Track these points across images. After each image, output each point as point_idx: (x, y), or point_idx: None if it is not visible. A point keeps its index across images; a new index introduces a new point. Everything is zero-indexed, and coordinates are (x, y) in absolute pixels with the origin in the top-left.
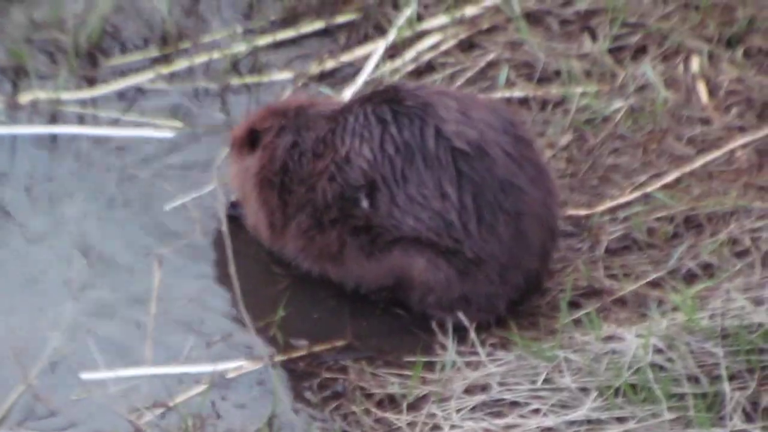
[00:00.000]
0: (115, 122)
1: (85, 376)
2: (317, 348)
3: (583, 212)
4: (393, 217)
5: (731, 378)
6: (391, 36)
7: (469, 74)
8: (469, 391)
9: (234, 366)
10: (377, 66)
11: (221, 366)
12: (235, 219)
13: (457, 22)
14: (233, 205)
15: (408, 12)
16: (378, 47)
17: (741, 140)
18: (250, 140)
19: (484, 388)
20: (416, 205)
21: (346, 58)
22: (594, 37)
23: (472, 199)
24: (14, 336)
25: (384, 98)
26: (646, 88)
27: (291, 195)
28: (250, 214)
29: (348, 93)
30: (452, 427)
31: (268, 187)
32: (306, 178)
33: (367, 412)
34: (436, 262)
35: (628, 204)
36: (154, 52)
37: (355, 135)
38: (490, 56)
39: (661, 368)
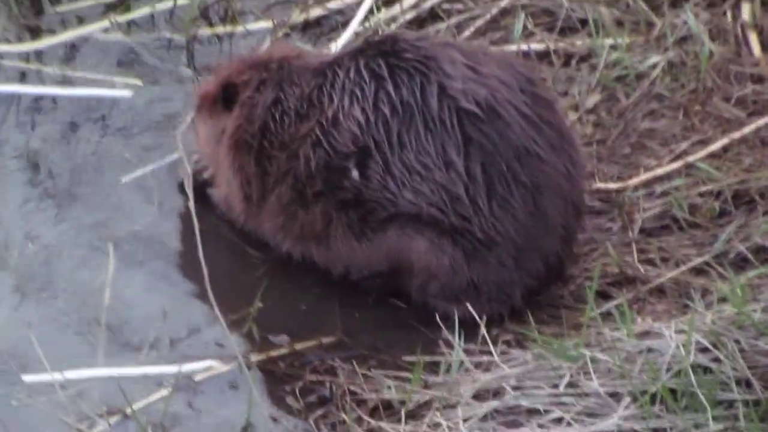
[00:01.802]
0: (62, 79)
1: (28, 378)
2: (300, 345)
3: (613, 186)
4: (388, 189)
5: None
6: None
7: (479, 23)
8: (479, 396)
9: (202, 367)
10: (371, 13)
11: (187, 367)
12: (203, 194)
13: None
14: (198, 179)
15: None
16: None
17: None
18: (225, 96)
19: (497, 393)
20: (416, 175)
21: (333, 4)
22: None
23: (482, 169)
24: None
25: (379, 50)
26: (687, 40)
27: (270, 162)
28: (222, 184)
29: (335, 47)
30: None
31: (244, 152)
32: (288, 142)
33: (359, 420)
34: (439, 244)
35: (666, 176)
36: None
37: (344, 93)
38: (504, 2)
39: (706, 370)
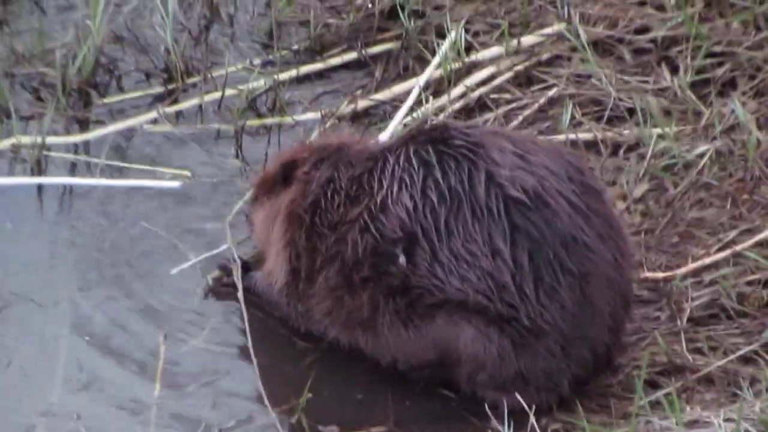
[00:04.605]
0: (110, 171)
1: None
2: None
3: (661, 275)
4: (435, 276)
5: None
6: (433, 68)
7: (526, 112)
8: None
9: None
10: (419, 103)
11: None
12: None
13: (513, 53)
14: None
15: (452, 38)
16: (419, 82)
17: None
18: (285, 173)
19: None
20: (462, 263)
21: (381, 95)
22: (674, 69)
23: (529, 257)
24: None
25: (429, 137)
26: (735, 129)
27: (321, 240)
28: (269, 259)
29: (382, 137)
30: None
31: (296, 225)
32: (337, 224)
33: None
34: (486, 332)
35: (714, 265)
36: (156, 88)
37: (394, 178)
38: (552, 92)
39: None
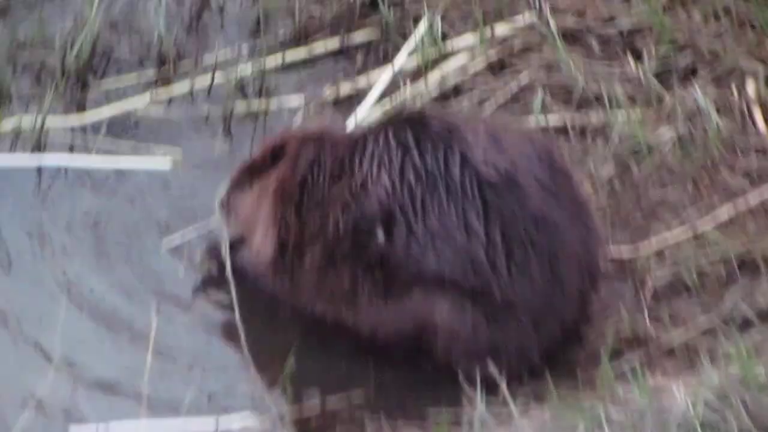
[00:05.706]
0: (106, 152)
1: (74, 429)
2: (331, 401)
3: (626, 253)
4: (411, 253)
5: None
6: (406, 53)
7: (499, 99)
8: None
9: (239, 418)
10: (397, 89)
11: (225, 419)
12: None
13: (487, 42)
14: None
15: (423, 27)
16: (393, 66)
17: None
18: (274, 154)
19: None
20: (438, 239)
21: (362, 82)
22: (639, 58)
23: (501, 235)
24: None
25: (407, 121)
26: (696, 115)
27: (309, 217)
28: (257, 237)
29: (353, 119)
30: None
31: (287, 201)
32: (321, 203)
33: None
34: (461, 305)
35: (676, 244)
36: (150, 73)
37: (373, 160)
38: (524, 79)
39: (714, 427)
